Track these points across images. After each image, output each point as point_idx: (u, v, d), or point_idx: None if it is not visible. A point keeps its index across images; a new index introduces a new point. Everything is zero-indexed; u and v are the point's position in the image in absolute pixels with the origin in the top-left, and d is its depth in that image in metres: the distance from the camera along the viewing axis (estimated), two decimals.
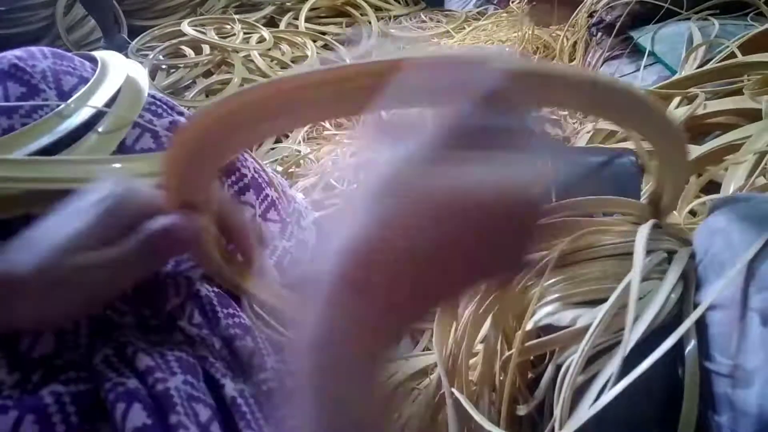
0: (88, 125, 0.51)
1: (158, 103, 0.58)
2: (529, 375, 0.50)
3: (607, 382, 0.36)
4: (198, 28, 2.00)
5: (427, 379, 0.61)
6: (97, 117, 0.52)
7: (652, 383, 0.38)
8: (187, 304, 0.53)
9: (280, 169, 1.38)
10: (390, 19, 2.38)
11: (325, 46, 2.20)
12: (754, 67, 0.78)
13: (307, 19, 2.28)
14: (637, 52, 1.08)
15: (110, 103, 0.54)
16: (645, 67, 1.02)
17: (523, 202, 0.27)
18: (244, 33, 2.03)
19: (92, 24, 2.43)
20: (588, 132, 0.89)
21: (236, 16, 2.17)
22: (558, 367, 0.42)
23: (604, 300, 0.40)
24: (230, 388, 0.46)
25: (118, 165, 0.51)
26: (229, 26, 2.08)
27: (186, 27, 1.97)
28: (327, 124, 1.59)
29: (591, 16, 1.24)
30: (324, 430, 0.25)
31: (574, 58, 1.40)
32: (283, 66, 1.99)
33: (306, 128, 1.59)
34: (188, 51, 1.96)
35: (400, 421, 0.60)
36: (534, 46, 1.66)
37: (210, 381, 0.47)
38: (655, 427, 0.38)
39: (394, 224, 0.26)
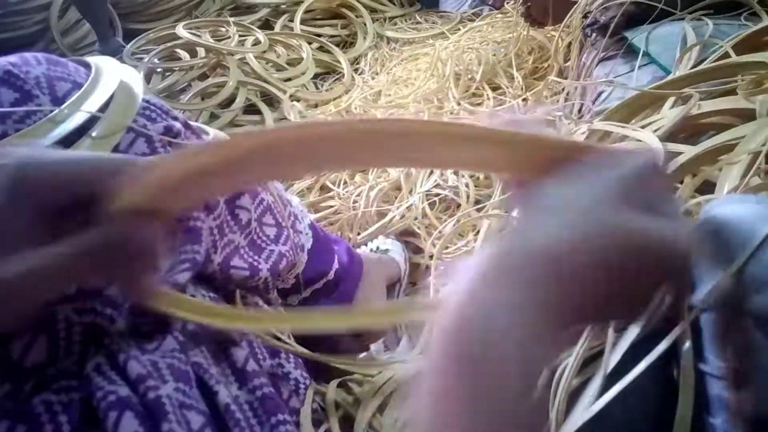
0: (82, 130, 0.51)
1: (152, 107, 0.58)
2: None
3: (602, 385, 0.36)
4: (193, 31, 2.00)
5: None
6: (91, 122, 0.52)
7: (647, 385, 0.38)
8: None
9: None
10: (385, 20, 2.38)
11: (321, 48, 2.20)
12: (748, 67, 0.78)
13: (303, 21, 2.28)
14: (631, 52, 1.08)
15: (104, 108, 0.54)
16: (639, 67, 1.02)
17: (679, 256, 0.31)
18: (240, 36, 2.03)
19: (87, 28, 2.43)
20: (583, 132, 0.89)
21: (231, 19, 2.17)
22: (553, 370, 0.42)
23: None
24: (224, 394, 0.46)
25: None
26: (224, 29, 2.08)
27: (181, 30, 1.97)
28: None
29: (585, 16, 1.24)
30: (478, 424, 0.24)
31: (569, 59, 1.40)
32: (279, 68, 1.99)
33: None
34: (183, 54, 1.96)
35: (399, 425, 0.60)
36: (529, 47, 1.66)
37: (204, 387, 0.47)
38: (650, 428, 0.38)
39: (590, 241, 0.29)
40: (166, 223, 0.38)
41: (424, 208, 1.18)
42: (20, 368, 0.42)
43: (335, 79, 2.07)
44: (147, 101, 0.58)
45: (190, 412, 0.44)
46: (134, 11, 2.47)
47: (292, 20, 2.29)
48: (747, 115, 0.71)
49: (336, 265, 0.83)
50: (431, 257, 1.08)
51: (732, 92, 0.77)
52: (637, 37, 1.05)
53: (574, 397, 0.38)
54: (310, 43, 2.16)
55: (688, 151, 0.70)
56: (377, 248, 1.13)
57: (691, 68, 0.88)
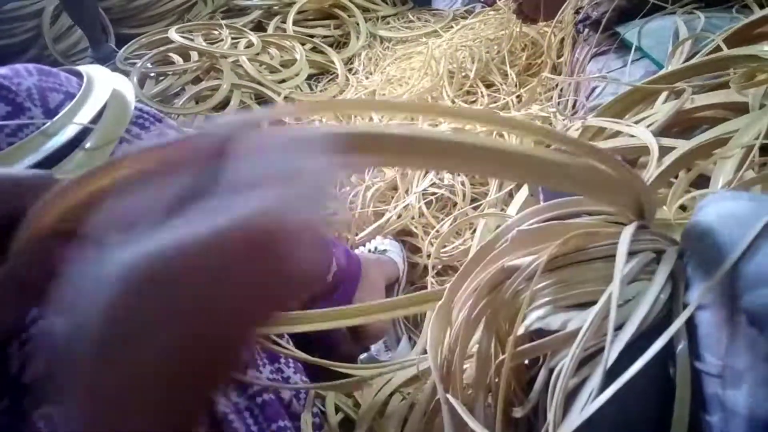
0: (75, 142, 0.51)
1: (145, 116, 0.58)
2: (525, 377, 0.50)
3: (600, 384, 0.36)
4: (185, 35, 2.00)
5: (422, 385, 0.62)
6: (84, 133, 0.52)
7: (643, 384, 0.38)
8: None
9: None
10: (378, 19, 2.38)
11: (314, 49, 2.20)
12: (740, 60, 0.78)
13: (295, 23, 2.28)
14: (623, 47, 1.08)
15: (97, 119, 0.54)
16: (632, 62, 1.02)
17: (254, 237, 0.24)
18: (232, 38, 2.03)
19: (79, 34, 2.43)
20: (576, 129, 0.89)
21: (223, 22, 2.17)
22: (550, 371, 0.42)
23: (594, 302, 0.40)
24: (222, 404, 0.46)
25: None
26: (216, 32, 2.08)
27: (173, 34, 1.97)
28: None
29: (577, 12, 1.25)
30: None
31: (562, 55, 1.40)
32: (272, 70, 1.99)
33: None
34: (176, 58, 1.96)
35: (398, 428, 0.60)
36: (522, 43, 1.66)
37: None
38: (647, 427, 0.39)
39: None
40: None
41: (421, 207, 1.18)
42: (18, 383, 0.42)
43: (329, 80, 2.07)
44: (140, 109, 0.58)
45: None
46: (126, 16, 2.47)
47: (284, 22, 2.29)
48: (740, 109, 0.72)
49: (334, 268, 0.83)
50: (429, 256, 1.08)
51: (725, 86, 0.77)
52: (629, 31, 1.06)
53: (570, 397, 0.38)
54: (303, 44, 2.16)
55: (681, 146, 0.70)
56: (375, 249, 1.13)
57: (684, 62, 0.88)
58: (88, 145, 0.52)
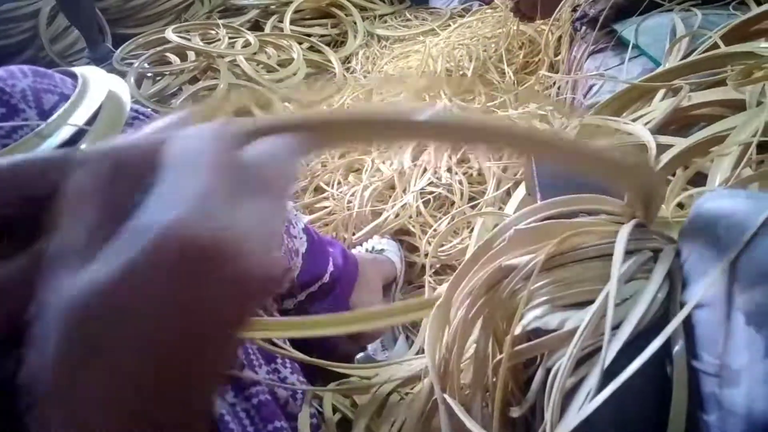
0: (70, 144, 0.51)
1: (141, 117, 0.58)
2: (522, 377, 0.50)
3: (597, 384, 0.36)
4: (182, 35, 1.99)
5: (420, 384, 0.61)
6: (80, 135, 0.52)
7: (640, 384, 0.38)
8: None
9: None
10: (375, 18, 2.38)
11: (311, 48, 2.20)
12: (737, 57, 0.78)
13: (292, 22, 2.27)
14: (621, 45, 1.08)
15: (92, 120, 0.53)
16: (629, 59, 1.02)
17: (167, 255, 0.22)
18: (229, 38, 2.03)
19: (76, 34, 2.42)
20: (574, 127, 0.89)
21: (220, 21, 2.16)
22: (548, 370, 0.42)
23: (592, 302, 0.40)
24: (218, 405, 0.46)
25: None
26: (213, 32, 2.08)
27: (170, 34, 1.96)
28: None
29: (574, 10, 1.24)
30: None
31: (559, 53, 1.40)
32: (270, 70, 1.99)
33: None
34: (173, 58, 1.96)
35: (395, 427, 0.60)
36: (519, 41, 1.66)
37: None
38: (644, 426, 0.38)
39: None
40: None
41: (419, 206, 1.18)
42: (12, 385, 0.42)
43: (327, 79, 2.07)
44: (135, 110, 0.58)
45: None
46: (123, 16, 2.46)
47: (281, 21, 2.28)
48: (737, 106, 0.71)
49: (331, 268, 0.83)
50: (426, 255, 1.08)
51: (722, 83, 0.77)
52: (627, 29, 1.05)
53: (568, 397, 0.38)
54: (300, 44, 2.16)
55: (679, 143, 0.70)
56: (372, 248, 1.12)
57: (681, 59, 0.88)
58: (83, 146, 0.52)
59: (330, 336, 0.78)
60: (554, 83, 1.35)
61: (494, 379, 0.49)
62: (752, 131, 0.63)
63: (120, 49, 2.01)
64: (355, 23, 2.31)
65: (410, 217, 1.17)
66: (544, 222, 0.48)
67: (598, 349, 0.39)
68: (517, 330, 0.44)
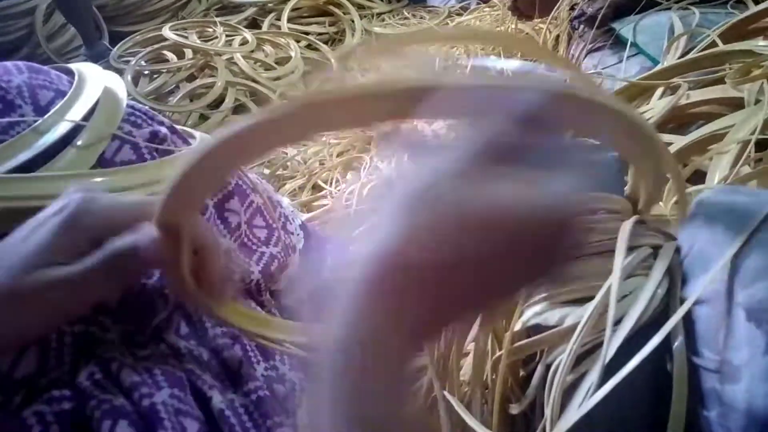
0: (67, 140, 0.51)
1: (137, 113, 0.58)
2: (521, 373, 0.50)
3: (597, 380, 0.36)
4: (179, 33, 1.99)
5: (419, 381, 0.61)
6: (76, 131, 0.52)
7: (640, 380, 0.38)
8: (174, 316, 0.52)
9: (267, 171, 1.38)
10: (373, 16, 2.37)
11: (309, 46, 2.19)
12: (735, 55, 0.78)
13: (290, 20, 2.27)
14: (619, 43, 1.08)
15: (88, 116, 0.53)
16: (627, 58, 1.02)
17: (557, 221, 0.26)
18: (227, 35, 2.03)
19: (72, 32, 2.42)
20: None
21: (218, 19, 2.16)
22: (547, 367, 0.42)
23: (591, 298, 0.40)
24: (218, 400, 0.46)
25: (98, 179, 0.50)
26: (210, 29, 2.07)
27: (167, 32, 1.96)
28: None
29: (573, 8, 1.25)
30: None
31: (557, 51, 1.40)
32: (267, 67, 1.98)
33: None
34: (170, 56, 1.95)
35: None
36: None
37: (197, 394, 0.46)
38: (644, 423, 0.38)
39: (422, 235, 0.25)
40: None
41: None
42: (10, 380, 0.42)
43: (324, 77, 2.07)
44: (132, 107, 0.57)
45: (186, 418, 0.43)
46: (120, 14, 2.46)
47: (279, 19, 2.28)
48: (735, 104, 0.72)
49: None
50: None
51: (720, 81, 0.77)
52: (625, 27, 1.06)
53: (568, 393, 0.38)
54: (298, 42, 2.16)
55: (677, 141, 0.70)
56: None
57: (679, 58, 0.88)
58: (79, 142, 0.51)
59: None
60: None
61: (494, 376, 0.49)
62: (750, 129, 0.63)
63: (117, 46, 2.01)
64: (352, 21, 2.31)
65: None
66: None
67: (598, 346, 0.39)
68: (517, 326, 0.44)
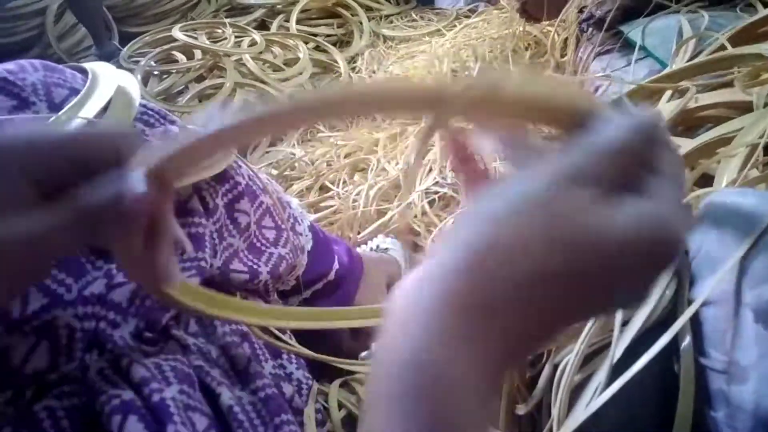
0: None
1: (150, 112, 0.58)
2: (527, 374, 0.50)
3: (604, 380, 0.36)
4: (189, 33, 2.00)
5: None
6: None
7: (648, 380, 0.38)
8: (183, 313, 0.53)
9: (275, 172, 1.38)
10: (381, 18, 2.38)
11: (317, 48, 2.20)
12: (744, 59, 0.78)
13: (298, 21, 2.28)
14: (627, 46, 1.08)
15: (101, 115, 0.54)
16: (636, 61, 1.02)
17: (665, 246, 0.25)
18: (236, 37, 2.03)
19: (83, 32, 2.43)
20: None
21: (227, 20, 2.17)
22: (555, 367, 0.42)
23: None
24: (227, 396, 0.46)
25: None
26: (220, 30, 2.08)
27: (177, 32, 1.97)
28: (321, 126, 1.59)
29: (581, 11, 1.24)
30: None
31: (566, 54, 1.40)
32: (276, 69, 1.99)
33: (300, 131, 1.59)
34: (180, 56, 1.96)
35: None
36: (525, 42, 1.66)
37: (206, 390, 0.47)
38: (651, 423, 0.39)
39: (516, 249, 0.24)
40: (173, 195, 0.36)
41: (424, 206, 1.18)
42: (21, 375, 0.42)
43: (332, 79, 2.07)
44: (144, 106, 0.58)
45: (195, 414, 0.44)
46: (130, 14, 2.47)
47: (288, 20, 2.28)
48: (744, 107, 0.71)
49: (336, 266, 0.83)
50: None
51: (729, 84, 0.77)
52: (633, 30, 1.05)
53: (575, 394, 0.38)
54: (306, 43, 2.16)
55: (686, 145, 0.70)
56: (377, 247, 1.12)
57: (688, 61, 0.88)
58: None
59: (334, 332, 0.78)
60: None
61: None
62: (759, 132, 0.63)
63: (127, 47, 2.01)
64: (361, 23, 2.31)
65: (415, 216, 1.17)
66: None
67: (606, 346, 0.39)
68: None
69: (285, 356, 0.62)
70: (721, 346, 0.35)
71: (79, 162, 0.33)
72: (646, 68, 1.00)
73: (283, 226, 0.70)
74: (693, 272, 0.41)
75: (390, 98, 0.30)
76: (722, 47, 0.84)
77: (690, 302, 0.39)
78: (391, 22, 2.37)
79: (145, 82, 1.89)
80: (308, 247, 0.77)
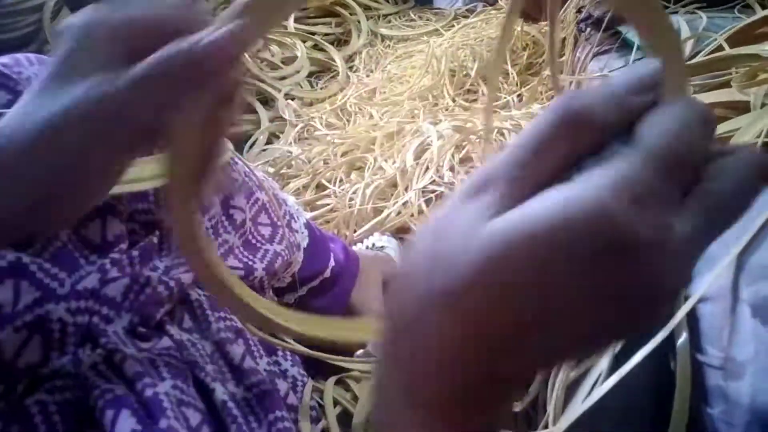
0: None
1: None
2: None
3: (599, 377, 0.36)
4: None
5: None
6: None
7: (644, 377, 0.38)
8: (177, 309, 0.53)
9: (271, 170, 1.38)
10: (379, 18, 2.38)
11: (315, 47, 2.20)
12: (742, 59, 0.78)
13: (296, 20, 2.27)
14: (625, 46, 1.08)
15: None
16: (634, 61, 1.02)
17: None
18: None
19: None
20: None
21: None
22: None
23: None
24: (220, 392, 0.46)
25: None
26: None
27: None
28: (318, 125, 1.59)
29: (579, 11, 1.25)
30: None
31: (563, 54, 1.40)
32: (273, 67, 1.99)
33: (297, 129, 1.59)
34: None
35: None
36: (523, 42, 1.66)
37: (200, 386, 0.47)
38: (647, 420, 0.38)
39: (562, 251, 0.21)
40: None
41: (421, 204, 1.18)
42: (13, 369, 0.42)
43: (330, 77, 2.07)
44: None
45: (188, 409, 0.44)
46: None
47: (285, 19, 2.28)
48: (741, 108, 0.71)
49: (332, 263, 0.83)
50: None
51: (726, 85, 0.77)
52: (631, 31, 1.05)
53: (570, 390, 0.38)
54: (304, 42, 2.16)
55: None
56: (373, 245, 1.12)
57: (686, 61, 0.88)
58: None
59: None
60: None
61: None
62: (756, 132, 0.63)
63: None
64: (359, 22, 2.31)
65: (412, 215, 1.17)
66: None
67: None
68: None
69: (280, 353, 0.62)
70: (717, 342, 0.35)
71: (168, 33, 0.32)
72: None
73: (278, 223, 0.70)
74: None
75: None
76: (720, 48, 0.84)
77: (687, 298, 0.38)
78: (390, 21, 2.37)
79: None
80: (304, 244, 0.77)
